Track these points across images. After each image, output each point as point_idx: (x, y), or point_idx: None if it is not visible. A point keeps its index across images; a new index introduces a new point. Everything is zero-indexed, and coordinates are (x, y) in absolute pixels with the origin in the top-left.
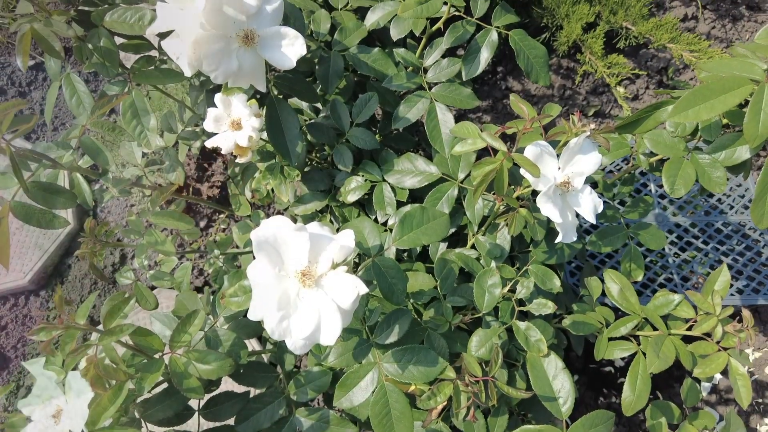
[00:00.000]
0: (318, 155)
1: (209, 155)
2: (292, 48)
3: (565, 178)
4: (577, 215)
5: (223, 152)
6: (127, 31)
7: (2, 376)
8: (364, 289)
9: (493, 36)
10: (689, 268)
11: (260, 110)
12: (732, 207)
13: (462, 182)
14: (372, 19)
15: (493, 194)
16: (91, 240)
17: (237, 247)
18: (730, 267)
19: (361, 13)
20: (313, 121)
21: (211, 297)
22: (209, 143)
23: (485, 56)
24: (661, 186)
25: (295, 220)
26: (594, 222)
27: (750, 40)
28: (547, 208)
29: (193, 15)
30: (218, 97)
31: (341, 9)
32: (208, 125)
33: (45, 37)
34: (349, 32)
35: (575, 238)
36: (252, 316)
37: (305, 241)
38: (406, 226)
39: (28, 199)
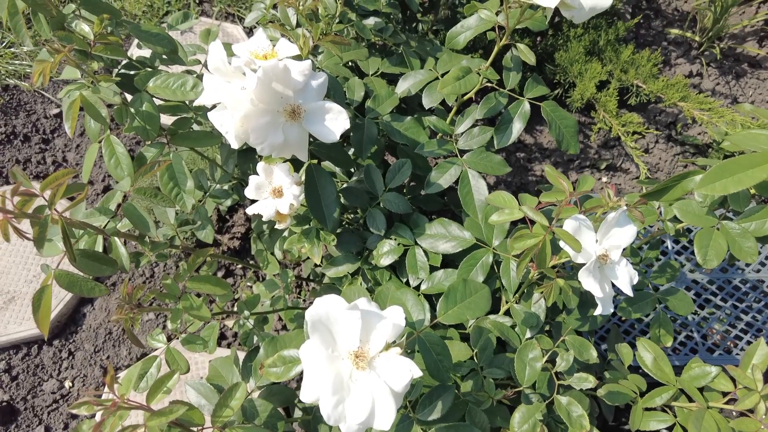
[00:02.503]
0: (350, 217)
1: (231, 206)
2: (336, 122)
3: (603, 251)
4: (613, 285)
5: (264, 219)
6: (169, 97)
7: (10, 430)
8: (418, 373)
9: (526, 107)
10: (708, 326)
11: (300, 178)
12: (749, 264)
13: (496, 248)
14: (403, 87)
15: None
16: (128, 306)
17: (263, 304)
18: (749, 325)
19: (388, 77)
20: (347, 185)
21: (243, 356)
22: (250, 210)
23: (518, 127)
24: (676, 242)
25: (321, 275)
26: (631, 295)
27: (753, 97)
28: (588, 283)
29: (243, 91)
30: (260, 166)
31: (372, 75)
32: (249, 192)
33: (93, 104)
34: (381, 100)
35: (612, 310)
36: (305, 398)
37: (357, 320)
38: (450, 300)
39: (70, 266)
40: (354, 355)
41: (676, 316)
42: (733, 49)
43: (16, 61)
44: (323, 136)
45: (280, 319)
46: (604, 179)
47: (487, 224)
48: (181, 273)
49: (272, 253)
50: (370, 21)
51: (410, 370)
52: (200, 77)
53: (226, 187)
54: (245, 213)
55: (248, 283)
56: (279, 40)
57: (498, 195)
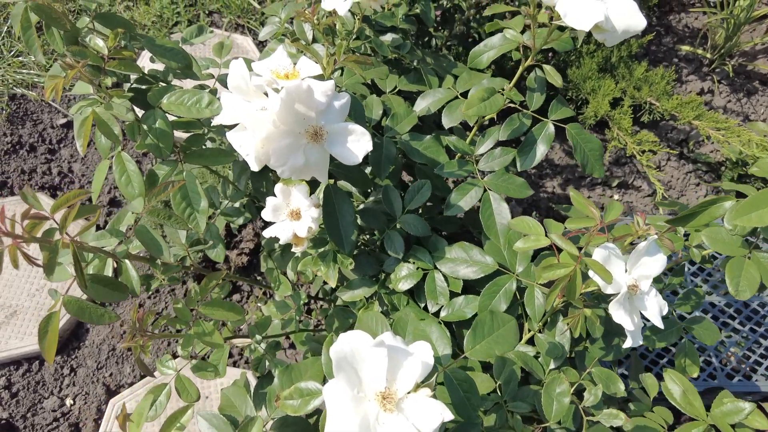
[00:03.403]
0: (365, 238)
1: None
2: (358, 144)
3: (633, 281)
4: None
5: (280, 242)
6: (184, 114)
7: None
8: (449, 416)
9: (550, 129)
10: (726, 351)
11: (319, 200)
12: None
13: (519, 275)
14: (421, 105)
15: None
16: (139, 333)
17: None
18: None
19: (404, 94)
20: (364, 206)
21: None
22: (267, 233)
23: (542, 150)
24: (693, 263)
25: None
26: (662, 327)
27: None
28: (619, 315)
29: (264, 112)
30: (278, 188)
31: (389, 92)
32: (266, 215)
33: (105, 121)
34: (400, 118)
35: (641, 342)
36: None
37: (384, 358)
38: (478, 335)
39: (77, 290)
40: (381, 397)
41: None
42: (744, 66)
43: (24, 70)
44: (346, 158)
45: (287, 336)
46: (616, 197)
47: (510, 249)
48: (193, 297)
49: (284, 273)
50: (388, 37)
51: (441, 414)
52: (213, 92)
53: (237, 204)
54: (254, 228)
55: (258, 303)
56: (300, 57)
57: (522, 221)
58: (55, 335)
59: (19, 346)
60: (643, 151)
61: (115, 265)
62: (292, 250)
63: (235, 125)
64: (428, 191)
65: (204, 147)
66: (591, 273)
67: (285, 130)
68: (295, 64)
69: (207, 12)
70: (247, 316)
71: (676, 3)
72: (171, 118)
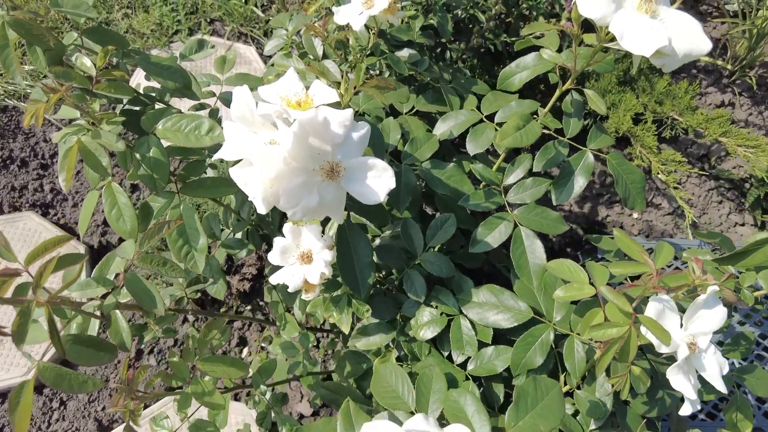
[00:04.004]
0: (381, 276)
1: None
2: (379, 181)
3: (691, 338)
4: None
5: (289, 290)
6: (181, 142)
7: None
8: None
9: (589, 159)
10: None
11: (332, 240)
12: None
13: (557, 324)
14: (442, 129)
15: (593, 341)
16: (128, 395)
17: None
18: None
19: (421, 114)
20: (380, 242)
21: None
22: (273, 279)
23: (580, 183)
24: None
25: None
26: (724, 391)
27: None
28: (678, 381)
29: (274, 147)
30: (287, 228)
31: (406, 114)
32: (273, 258)
33: (92, 152)
34: (419, 144)
35: (699, 407)
36: None
37: None
38: (521, 408)
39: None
40: None
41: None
42: (764, 78)
43: (16, 81)
44: (365, 197)
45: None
46: (635, 215)
47: (546, 295)
48: (190, 350)
49: (290, 310)
50: (404, 53)
51: None
52: (214, 112)
53: (239, 235)
54: (257, 251)
55: (262, 344)
56: (312, 81)
57: (561, 264)
58: (29, 407)
59: (4, 378)
60: (669, 172)
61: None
62: (302, 297)
63: (239, 160)
64: (453, 227)
65: (204, 176)
66: (643, 329)
67: (297, 167)
68: (307, 88)
69: (208, 20)
70: (250, 357)
71: (694, 13)
72: (167, 144)
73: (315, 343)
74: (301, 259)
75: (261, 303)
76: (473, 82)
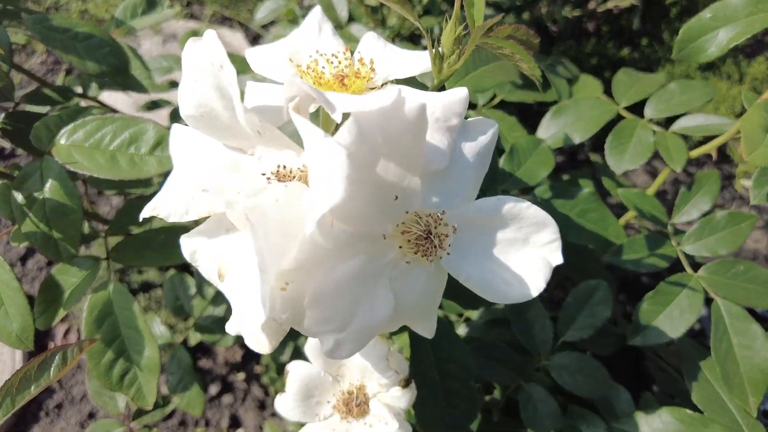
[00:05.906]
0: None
1: None
2: (532, 253)
3: None
4: None
5: None
6: (102, 170)
7: None
8: None
9: None
10: None
11: (405, 364)
12: None
13: None
14: (552, 129)
15: None
16: None
17: None
18: None
19: (504, 108)
20: (468, 331)
21: None
22: None
23: None
24: None
25: None
26: None
27: None
28: None
29: (291, 188)
30: (311, 346)
31: (483, 107)
32: (286, 406)
33: None
34: (523, 155)
35: None
36: None
37: None
38: None
39: None
40: None
41: None
42: None
43: None
44: (499, 291)
45: None
46: None
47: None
48: None
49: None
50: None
51: None
52: (174, 115)
53: (222, 309)
54: None
55: None
56: (364, 37)
57: None
58: None
59: None
60: None
61: None
62: None
63: (201, 219)
64: (608, 305)
65: (151, 229)
66: None
67: (348, 235)
68: (352, 53)
69: (185, 2)
70: None
71: None
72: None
73: None
74: (344, 409)
75: (258, 370)
76: (558, 60)
